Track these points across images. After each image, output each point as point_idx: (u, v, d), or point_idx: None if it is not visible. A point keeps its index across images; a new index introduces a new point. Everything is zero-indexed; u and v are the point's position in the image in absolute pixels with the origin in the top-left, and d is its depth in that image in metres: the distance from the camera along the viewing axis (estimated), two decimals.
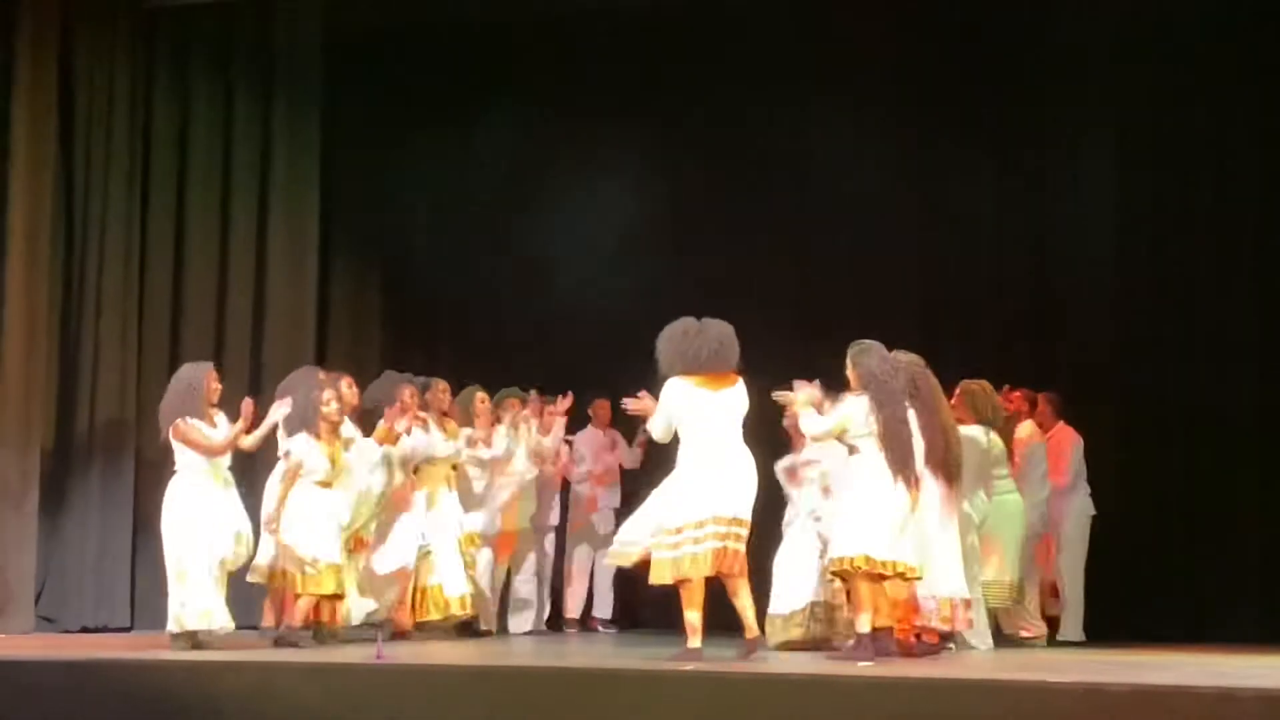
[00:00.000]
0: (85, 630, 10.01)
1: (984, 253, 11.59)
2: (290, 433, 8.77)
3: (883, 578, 7.66)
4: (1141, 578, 10.56)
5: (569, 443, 10.81)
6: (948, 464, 8.06)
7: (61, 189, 10.28)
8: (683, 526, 7.41)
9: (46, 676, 7.33)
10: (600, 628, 11.04)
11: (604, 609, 11.11)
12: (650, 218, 12.01)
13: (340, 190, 11.96)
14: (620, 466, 11.08)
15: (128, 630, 10.24)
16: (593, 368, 11.12)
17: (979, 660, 8.25)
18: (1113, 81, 11.17)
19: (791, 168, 11.82)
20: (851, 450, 7.86)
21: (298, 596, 8.65)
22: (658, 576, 7.49)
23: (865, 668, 7.13)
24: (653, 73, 12.04)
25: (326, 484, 8.70)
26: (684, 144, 12.17)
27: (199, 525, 8.28)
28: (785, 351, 9.90)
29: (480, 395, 10.05)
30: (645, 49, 11.95)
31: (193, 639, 8.21)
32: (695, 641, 7.42)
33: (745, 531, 7.50)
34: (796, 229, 11.90)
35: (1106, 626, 9.93)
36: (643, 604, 10.86)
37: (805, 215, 11.87)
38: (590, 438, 11.11)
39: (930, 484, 7.95)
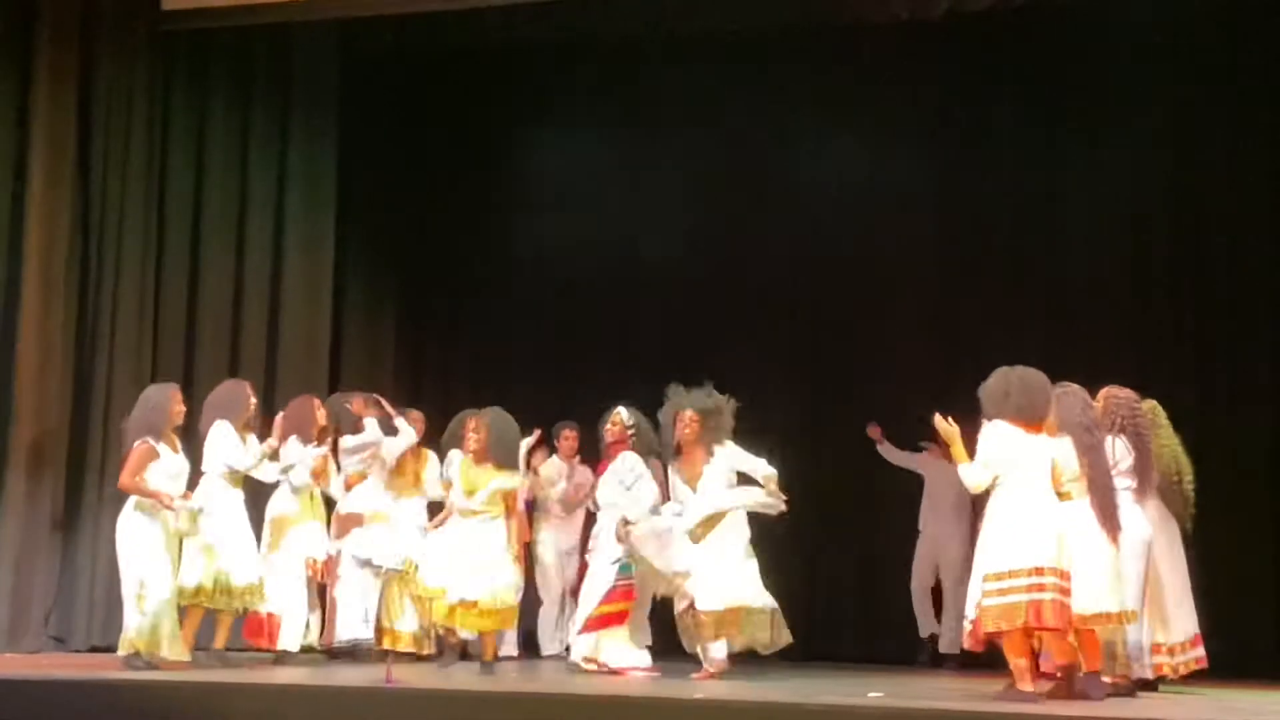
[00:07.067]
0: (95, 650, 9.97)
1: None
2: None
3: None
4: None
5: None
6: (1170, 495, 8.00)
7: (78, 212, 10.28)
8: (1010, 572, 7.18)
9: (56, 696, 7.35)
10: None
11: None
12: (674, 243, 12.01)
13: (356, 213, 11.95)
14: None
15: None
16: (609, 395, 11.07)
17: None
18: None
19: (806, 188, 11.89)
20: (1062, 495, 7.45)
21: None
22: (993, 624, 7.21)
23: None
24: (672, 92, 12.02)
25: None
26: (707, 164, 12.08)
27: (158, 549, 8.27)
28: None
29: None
30: (669, 71, 11.93)
31: (149, 659, 8.16)
32: (1026, 685, 7.23)
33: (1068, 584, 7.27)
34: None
35: None
36: None
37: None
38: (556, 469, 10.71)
39: (1155, 517, 7.82)
